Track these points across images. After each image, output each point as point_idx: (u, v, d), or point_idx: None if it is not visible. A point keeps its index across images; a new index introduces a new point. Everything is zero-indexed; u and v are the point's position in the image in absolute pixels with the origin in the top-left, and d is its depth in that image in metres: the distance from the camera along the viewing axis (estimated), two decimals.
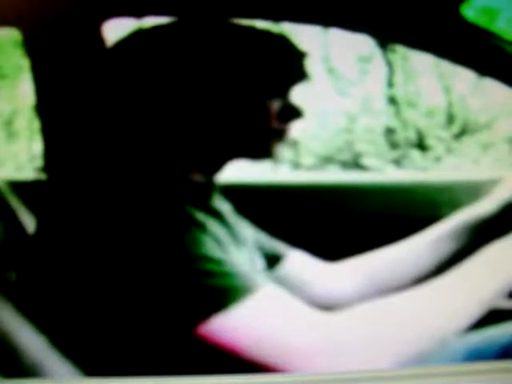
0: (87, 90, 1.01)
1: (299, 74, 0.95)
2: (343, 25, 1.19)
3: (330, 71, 2.97)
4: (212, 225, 0.87)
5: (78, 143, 1.00)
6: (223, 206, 0.99)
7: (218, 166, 0.95)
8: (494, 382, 0.71)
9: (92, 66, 1.13)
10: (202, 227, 0.84)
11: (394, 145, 3.03)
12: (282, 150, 0.94)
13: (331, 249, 1.20)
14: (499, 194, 1.12)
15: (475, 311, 0.84)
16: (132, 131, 0.91)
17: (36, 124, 1.33)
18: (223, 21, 0.95)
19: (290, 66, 0.93)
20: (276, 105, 0.92)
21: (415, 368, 0.79)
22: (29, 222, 1.12)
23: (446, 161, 3.03)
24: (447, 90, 3.01)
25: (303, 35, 1.55)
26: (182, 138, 0.91)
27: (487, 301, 0.84)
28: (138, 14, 1.22)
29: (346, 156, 3.05)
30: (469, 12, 1.12)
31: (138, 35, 0.93)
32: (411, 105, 3.04)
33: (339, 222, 1.48)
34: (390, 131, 3.05)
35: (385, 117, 3.08)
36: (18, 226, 1.12)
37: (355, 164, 3.02)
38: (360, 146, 3.03)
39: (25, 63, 1.31)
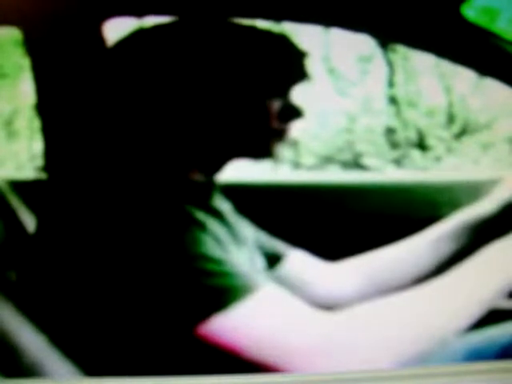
0: (88, 90, 1.01)
1: (299, 74, 0.95)
2: (344, 25, 1.19)
3: (331, 71, 2.97)
4: (212, 224, 0.87)
5: (79, 143, 0.99)
6: (223, 205, 0.99)
7: (219, 165, 0.95)
8: (494, 382, 0.71)
9: (92, 66, 1.13)
10: (202, 227, 0.84)
11: (394, 145, 3.03)
12: (282, 150, 0.94)
13: (331, 249, 1.20)
14: (499, 194, 1.12)
15: (475, 311, 0.84)
16: (132, 131, 0.91)
17: (36, 123, 1.33)
18: (224, 20, 0.95)
19: (290, 65, 0.93)
20: (276, 105, 0.92)
21: (415, 368, 0.79)
22: (29, 222, 1.12)
23: (446, 161, 3.03)
24: (448, 90, 3.01)
25: (304, 35, 1.55)
26: (182, 137, 0.91)
27: (487, 301, 0.84)
28: (139, 14, 1.22)
29: (346, 156, 3.05)
30: (469, 12, 1.12)
31: (138, 35, 0.93)
32: (412, 105, 3.04)
33: (339, 222, 1.48)
34: (390, 131, 3.05)
35: (385, 117, 3.08)
36: (18, 225, 1.12)
37: (355, 164, 3.02)
38: (360, 146, 3.03)
39: (25, 62, 1.31)
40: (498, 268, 0.86)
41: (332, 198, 1.50)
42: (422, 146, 3.03)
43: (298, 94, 0.95)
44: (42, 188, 1.16)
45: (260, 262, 1.02)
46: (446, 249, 1.10)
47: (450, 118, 3.03)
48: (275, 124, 0.92)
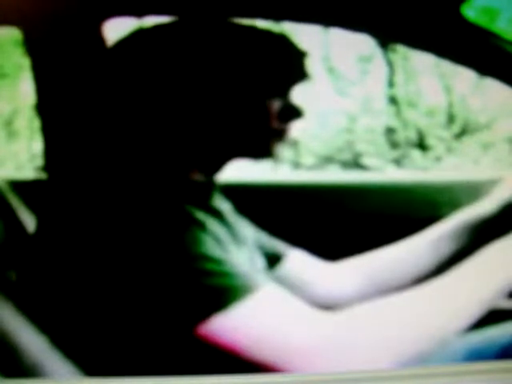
0: (88, 90, 1.01)
1: (299, 74, 0.95)
2: (344, 24, 1.19)
3: (331, 71, 2.97)
4: (212, 224, 0.87)
5: (79, 142, 0.99)
6: (223, 205, 0.99)
7: (219, 165, 0.95)
8: (494, 382, 0.71)
9: (92, 66, 1.13)
10: (202, 226, 0.84)
11: (394, 145, 3.03)
12: (282, 150, 0.94)
13: (331, 249, 1.20)
14: (499, 194, 1.12)
15: (475, 311, 0.84)
16: (132, 131, 0.91)
17: (36, 123, 1.33)
18: (223, 20, 0.95)
19: (290, 65, 0.93)
20: (276, 105, 0.92)
21: (415, 368, 0.79)
22: (29, 222, 1.12)
23: (446, 161, 3.03)
24: (448, 90, 3.01)
25: (303, 35, 1.55)
26: (182, 137, 0.91)
27: (487, 301, 0.84)
28: (139, 14, 1.21)
29: (346, 156, 3.05)
30: (469, 12, 1.12)
31: (138, 35, 0.93)
32: (412, 105, 3.04)
33: (339, 222, 1.48)
34: (390, 131, 3.05)
35: (385, 117, 3.08)
36: (18, 225, 1.12)
37: (355, 164, 3.02)
38: (360, 146, 3.03)
39: (25, 62, 1.31)
40: (498, 268, 0.86)
41: (332, 198, 1.50)
42: (421, 146, 3.03)
43: (298, 94, 0.95)
44: (42, 188, 1.16)
45: (260, 261, 1.02)
46: (446, 249, 1.10)
47: (450, 118, 3.02)
48: (275, 124, 0.92)
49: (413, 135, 3.04)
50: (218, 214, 0.94)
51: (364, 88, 3.05)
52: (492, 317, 0.90)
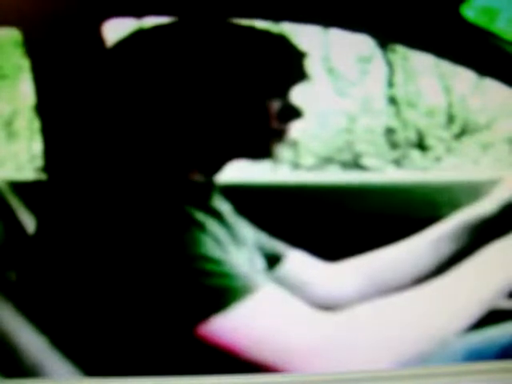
0: (87, 90, 1.01)
1: (299, 74, 0.95)
2: (343, 25, 1.19)
3: (330, 71, 2.97)
4: (212, 225, 0.87)
5: (78, 143, 0.99)
6: (223, 205, 0.99)
7: (218, 166, 0.95)
8: (494, 382, 0.71)
9: (92, 66, 1.13)
10: (201, 227, 0.84)
11: (394, 145, 3.03)
12: (282, 150, 0.94)
13: (331, 249, 1.20)
14: (499, 194, 1.12)
15: (475, 311, 0.84)
16: (132, 131, 0.91)
17: (36, 124, 1.33)
18: (223, 21, 0.95)
19: (289, 66, 0.93)
20: (276, 105, 0.92)
21: (415, 368, 0.79)
22: (29, 222, 1.12)
23: (446, 161, 3.03)
24: (447, 90, 3.01)
25: (303, 35, 1.55)
26: (182, 138, 0.91)
27: (487, 301, 0.84)
28: (138, 14, 1.22)
29: (346, 156, 3.05)
30: (469, 12, 1.12)
31: (138, 35, 0.93)
32: (411, 105, 3.04)
33: (339, 221, 1.47)
34: (390, 131, 3.05)
35: (385, 117, 3.08)
36: (18, 226, 1.12)
37: (355, 164, 3.02)
38: (360, 146, 3.03)
39: (25, 63, 1.31)
40: (498, 268, 0.86)
41: (332, 198, 1.50)
42: (421, 146, 3.03)
43: (298, 94, 0.95)
44: (42, 189, 1.16)
45: (260, 262, 1.02)
46: (446, 249, 1.10)
47: (450, 118, 3.02)
48: (275, 124, 0.92)
49: (412, 135, 3.04)
50: (217, 215, 0.94)
51: (364, 88, 3.04)
52: (492, 317, 0.90)
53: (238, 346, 0.79)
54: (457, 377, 0.71)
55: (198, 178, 0.94)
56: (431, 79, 3.02)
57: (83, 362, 0.81)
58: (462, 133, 3.03)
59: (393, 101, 3.04)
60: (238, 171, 1.05)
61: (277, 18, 1.23)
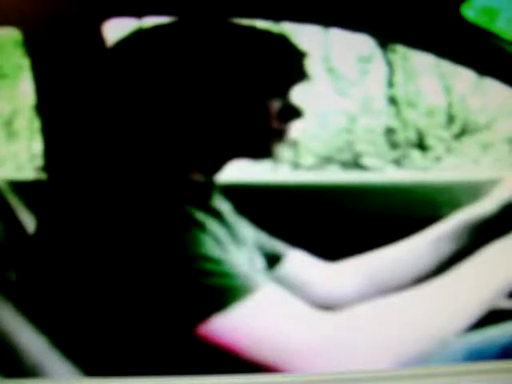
0: (87, 90, 1.01)
1: (299, 74, 0.95)
2: (343, 25, 1.19)
3: (330, 71, 2.97)
4: (212, 224, 0.87)
5: (78, 143, 0.99)
6: (223, 205, 0.99)
7: (218, 165, 0.95)
8: (494, 382, 0.71)
9: (92, 66, 1.13)
10: (201, 227, 0.84)
11: (394, 145, 3.03)
12: (282, 150, 0.94)
13: (331, 249, 1.20)
14: (499, 194, 1.12)
15: (475, 311, 0.84)
16: (132, 131, 0.91)
17: (36, 124, 1.33)
18: (223, 21, 0.95)
19: (290, 65, 0.93)
20: (276, 105, 0.92)
21: (415, 368, 0.79)
22: (29, 222, 1.12)
23: (446, 161, 3.03)
24: (447, 90, 3.01)
25: (303, 35, 1.55)
26: (182, 137, 0.91)
27: (487, 301, 0.84)
28: (139, 14, 1.21)
29: (346, 156, 3.05)
30: (469, 12, 1.12)
31: (138, 35, 0.93)
32: (411, 105, 3.04)
33: (339, 221, 1.47)
34: (390, 131, 3.05)
35: (385, 117, 3.08)
36: (18, 225, 1.12)
37: (355, 164, 3.02)
38: (360, 146, 3.03)
39: (25, 63, 1.31)
40: (498, 268, 0.86)
41: (332, 198, 1.50)
42: (421, 146, 3.03)
43: (298, 94, 0.95)
44: (42, 188, 1.16)
45: (260, 262, 1.02)
46: (446, 249, 1.10)
47: (450, 118, 3.02)
48: (275, 124, 0.92)
49: (412, 135, 3.04)
50: (217, 215, 0.94)
51: (364, 88, 3.04)
52: (492, 317, 0.90)
53: (238, 345, 0.79)
54: (457, 377, 0.71)
55: (198, 177, 0.94)
56: (431, 79, 3.02)
57: (83, 362, 0.81)
58: (462, 133, 3.03)
59: (393, 101, 3.04)
60: (237, 171, 1.05)
61: (277, 17, 1.23)
